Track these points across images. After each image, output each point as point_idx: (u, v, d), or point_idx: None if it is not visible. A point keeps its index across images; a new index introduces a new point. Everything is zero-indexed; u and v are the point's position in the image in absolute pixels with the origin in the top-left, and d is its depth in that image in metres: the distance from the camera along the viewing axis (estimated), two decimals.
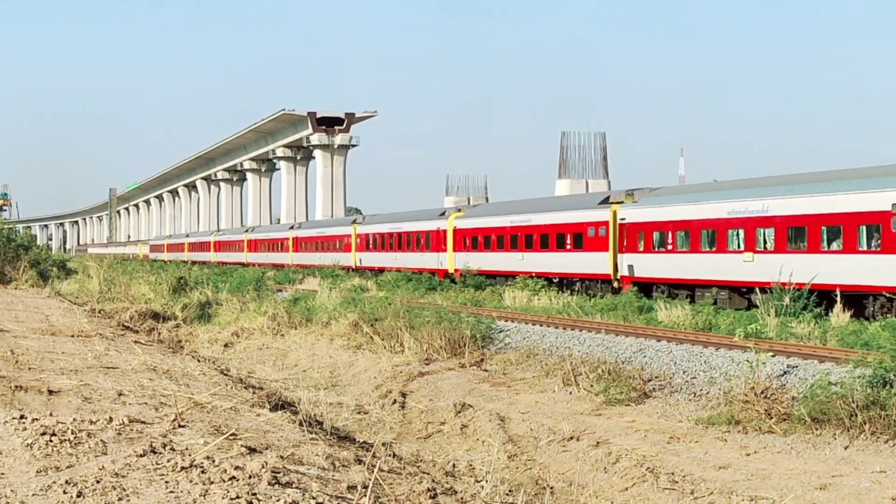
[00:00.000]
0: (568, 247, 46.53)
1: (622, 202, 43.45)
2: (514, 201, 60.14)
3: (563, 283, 46.89)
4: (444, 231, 58.90)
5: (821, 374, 20.07)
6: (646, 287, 40.48)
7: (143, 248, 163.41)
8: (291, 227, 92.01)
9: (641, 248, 41.13)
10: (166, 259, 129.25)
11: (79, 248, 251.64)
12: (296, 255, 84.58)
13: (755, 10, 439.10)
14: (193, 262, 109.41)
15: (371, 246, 69.68)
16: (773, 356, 21.83)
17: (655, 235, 40.61)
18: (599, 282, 44.14)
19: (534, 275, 47.31)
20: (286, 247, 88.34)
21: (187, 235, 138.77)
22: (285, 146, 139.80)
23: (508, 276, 50.10)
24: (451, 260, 57.64)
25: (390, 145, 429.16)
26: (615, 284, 42.26)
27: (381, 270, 63.77)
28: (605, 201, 44.80)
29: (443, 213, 61.27)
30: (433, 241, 60.38)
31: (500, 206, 60.21)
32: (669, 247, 39.79)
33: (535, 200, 56.32)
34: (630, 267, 41.81)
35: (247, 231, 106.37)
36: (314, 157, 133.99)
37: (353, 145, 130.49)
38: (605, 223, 43.60)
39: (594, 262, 44.24)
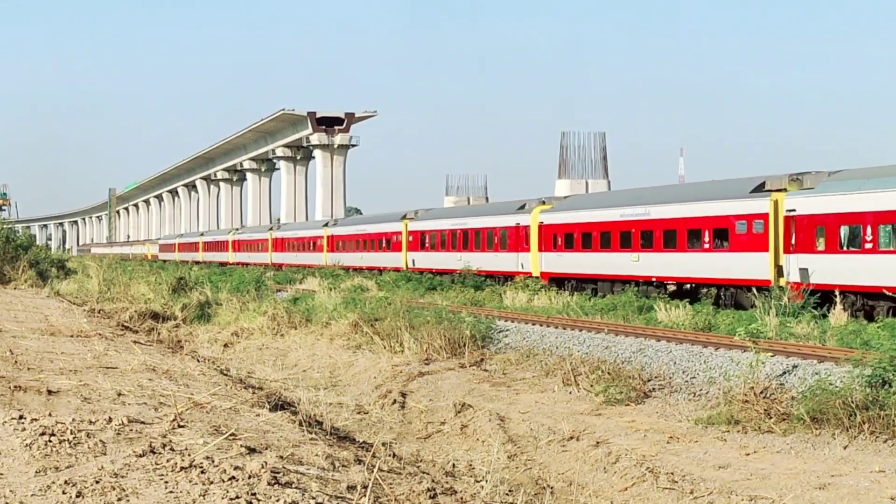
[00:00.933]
0: (706, 246, 38.92)
1: (785, 189, 35.65)
2: (623, 191, 53.09)
3: (693, 290, 40.38)
4: (526, 227, 51.33)
5: (820, 373, 20.09)
6: (825, 296, 32.10)
7: (152, 248, 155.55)
8: (326, 224, 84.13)
9: (822, 248, 33.33)
10: (177, 260, 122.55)
11: (81, 248, 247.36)
12: (331, 256, 76.92)
13: (755, 10, 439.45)
14: (209, 264, 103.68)
15: (427, 245, 62.89)
16: (773, 356, 21.83)
17: (845, 231, 32.62)
18: (752, 289, 35.18)
19: (654, 279, 41.50)
20: (319, 246, 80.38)
21: (202, 234, 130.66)
22: (285, 146, 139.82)
23: (616, 281, 43.78)
24: (535, 261, 50.10)
25: (390, 145, 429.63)
26: (780, 293, 31.89)
27: (441, 273, 58.32)
28: (761, 188, 36.91)
29: (522, 207, 53.40)
30: (511, 240, 52.61)
31: (603, 197, 55.03)
32: (869, 245, 31.51)
33: (653, 189, 47.28)
34: (803, 271, 33.67)
35: (271, 229, 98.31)
36: (314, 157, 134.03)
37: (353, 145, 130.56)
38: (764, 216, 35.91)
39: (746, 265, 36.52)
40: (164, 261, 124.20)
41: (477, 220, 57.29)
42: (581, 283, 46.37)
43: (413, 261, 64.03)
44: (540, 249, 49.66)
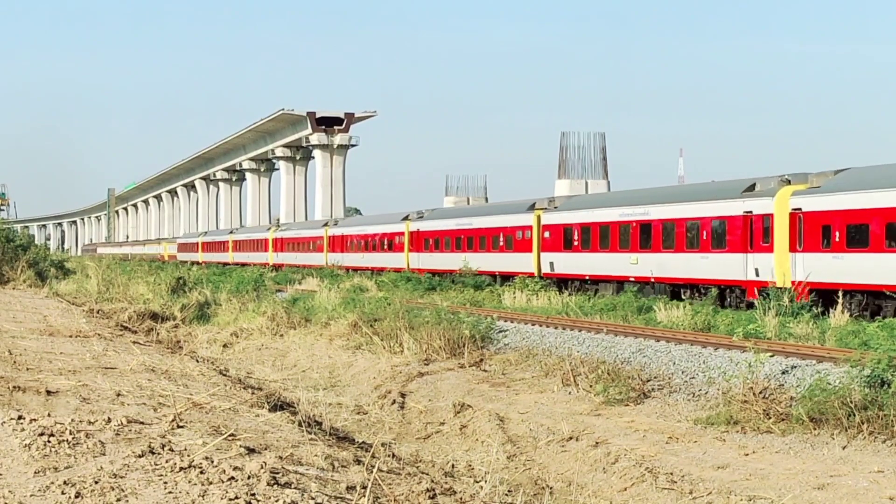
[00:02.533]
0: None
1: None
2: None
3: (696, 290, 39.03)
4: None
5: (819, 374, 20.09)
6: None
7: (169, 248, 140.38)
8: (418, 217, 66.91)
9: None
10: (201, 261, 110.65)
11: (86, 248, 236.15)
12: (418, 256, 64.92)
13: (755, 10, 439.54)
14: (242, 266, 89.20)
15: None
16: (772, 356, 21.84)
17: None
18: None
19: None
20: (398, 245, 67.60)
21: (231, 231, 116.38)
22: (284, 146, 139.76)
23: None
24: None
25: (390, 145, 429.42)
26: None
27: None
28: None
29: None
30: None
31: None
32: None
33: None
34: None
35: (326, 224, 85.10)
36: (313, 157, 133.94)
37: (353, 145, 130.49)
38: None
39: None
40: (184, 262, 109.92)
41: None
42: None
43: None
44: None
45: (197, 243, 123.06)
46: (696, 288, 38.95)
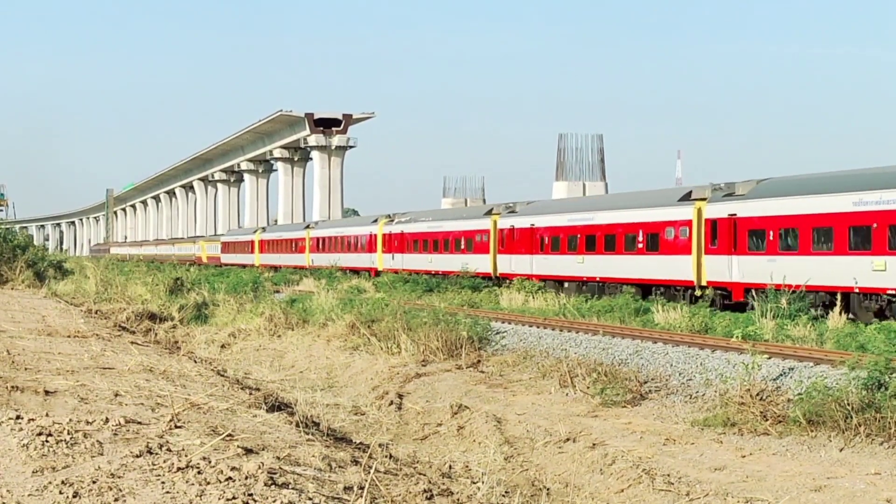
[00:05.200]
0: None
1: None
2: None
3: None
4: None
5: (816, 376, 20.11)
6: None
7: (208, 248, 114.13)
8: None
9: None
10: (258, 264, 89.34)
11: (95, 249, 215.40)
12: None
13: (754, 12, 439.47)
14: (337, 274, 63.52)
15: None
16: (769, 358, 21.86)
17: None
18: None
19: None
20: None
21: (308, 226, 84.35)
22: (282, 147, 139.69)
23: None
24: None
25: (388, 146, 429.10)
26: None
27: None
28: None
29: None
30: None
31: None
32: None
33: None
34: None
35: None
36: (311, 159, 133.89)
37: (351, 146, 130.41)
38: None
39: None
40: (232, 266, 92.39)
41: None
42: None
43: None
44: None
45: (251, 242, 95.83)
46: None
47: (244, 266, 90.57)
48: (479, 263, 53.55)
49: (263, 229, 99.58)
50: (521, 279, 47.38)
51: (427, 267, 58.74)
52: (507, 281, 49.69)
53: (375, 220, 68.96)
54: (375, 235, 67.02)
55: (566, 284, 45.94)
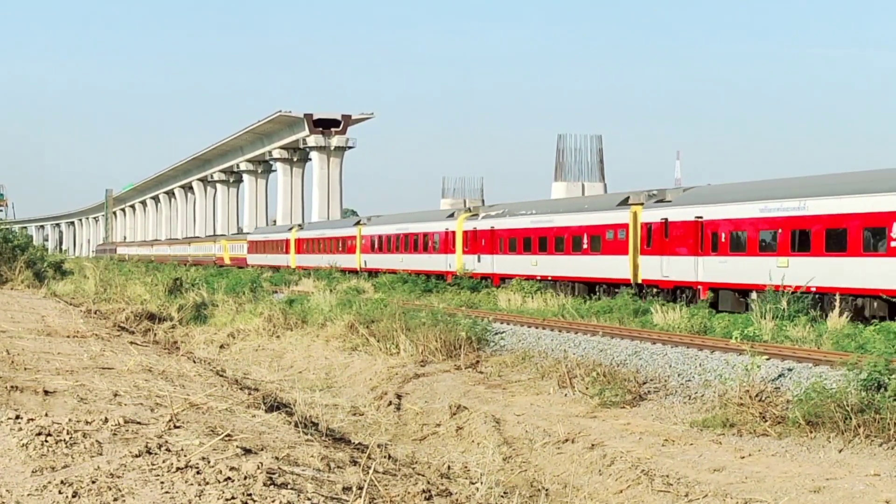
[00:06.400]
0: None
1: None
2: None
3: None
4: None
5: (815, 377, 20.12)
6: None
7: (232, 247, 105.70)
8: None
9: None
10: (294, 266, 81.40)
11: (101, 249, 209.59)
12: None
13: (753, 13, 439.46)
14: (397, 281, 55.66)
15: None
16: (768, 359, 21.87)
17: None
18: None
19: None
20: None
21: (359, 222, 74.43)
22: (282, 148, 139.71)
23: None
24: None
25: (386, 147, 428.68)
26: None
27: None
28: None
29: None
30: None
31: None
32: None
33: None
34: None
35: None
36: (310, 159, 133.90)
37: (350, 147, 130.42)
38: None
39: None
40: (260, 266, 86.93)
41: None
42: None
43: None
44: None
45: (285, 241, 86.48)
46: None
47: (277, 268, 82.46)
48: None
49: (300, 226, 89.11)
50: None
51: (531, 271, 48.61)
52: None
53: (452, 215, 60.29)
54: (453, 233, 57.46)
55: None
